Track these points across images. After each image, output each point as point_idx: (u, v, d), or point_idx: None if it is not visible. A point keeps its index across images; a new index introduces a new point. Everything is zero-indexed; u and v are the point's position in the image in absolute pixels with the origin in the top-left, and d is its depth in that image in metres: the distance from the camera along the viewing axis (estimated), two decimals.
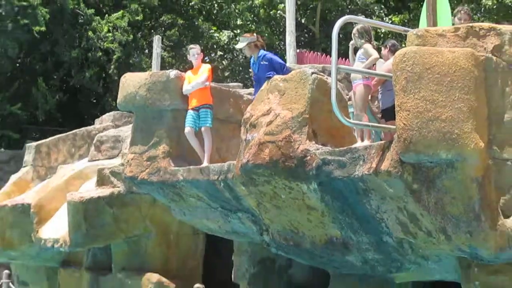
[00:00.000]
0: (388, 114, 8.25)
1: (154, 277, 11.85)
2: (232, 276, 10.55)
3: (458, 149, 6.45)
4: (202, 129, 9.80)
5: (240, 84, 14.33)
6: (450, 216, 6.66)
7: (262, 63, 9.40)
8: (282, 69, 9.19)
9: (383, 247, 7.77)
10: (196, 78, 10.02)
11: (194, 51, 10.33)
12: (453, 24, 8.68)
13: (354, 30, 8.36)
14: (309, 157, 7.70)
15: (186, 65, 13.41)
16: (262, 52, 9.50)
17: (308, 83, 8.10)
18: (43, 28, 19.67)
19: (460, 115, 6.49)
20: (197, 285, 10.94)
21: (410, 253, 7.65)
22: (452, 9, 10.03)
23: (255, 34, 9.99)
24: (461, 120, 6.47)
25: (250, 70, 15.27)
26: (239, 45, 9.80)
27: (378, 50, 8.71)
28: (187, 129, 9.87)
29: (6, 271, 17.01)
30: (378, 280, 8.59)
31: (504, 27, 7.12)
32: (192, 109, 9.93)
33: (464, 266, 7.37)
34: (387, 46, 9.05)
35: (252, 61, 9.67)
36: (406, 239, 7.44)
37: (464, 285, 7.45)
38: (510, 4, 22.49)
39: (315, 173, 7.63)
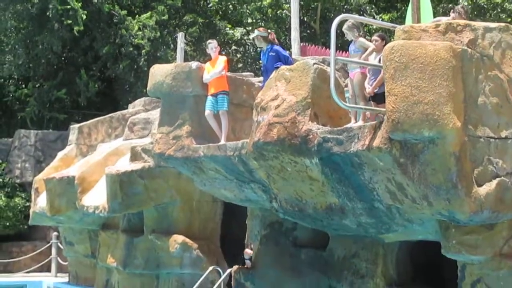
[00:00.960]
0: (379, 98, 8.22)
1: (180, 238, 11.91)
2: (246, 237, 10.58)
3: (438, 128, 6.44)
4: (220, 112, 9.79)
5: (251, 73, 14.27)
6: (431, 185, 6.65)
7: (270, 54, 9.48)
8: (286, 60, 9.24)
9: (375, 212, 7.77)
10: (214, 68, 10.00)
11: (212, 45, 10.30)
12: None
13: (345, 27, 8.24)
14: (311, 135, 7.69)
15: (206, 58, 13.37)
16: (270, 45, 9.54)
17: (310, 72, 8.07)
18: (81, 28, 19.69)
19: (440, 99, 6.47)
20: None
21: (398, 217, 7.65)
22: (434, 8, 9.95)
23: (268, 30, 10.03)
24: (441, 103, 6.45)
25: (260, 61, 15.24)
26: (252, 35, 9.98)
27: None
28: (207, 112, 9.87)
29: (55, 233, 17.19)
30: (370, 240, 8.60)
31: (478, 24, 7.08)
32: (211, 95, 9.91)
33: (443, 227, 7.38)
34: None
35: (262, 53, 9.72)
36: (394, 205, 7.44)
37: (443, 243, 7.46)
38: (483, 4, 22.47)
39: (316, 149, 7.63)
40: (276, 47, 9.50)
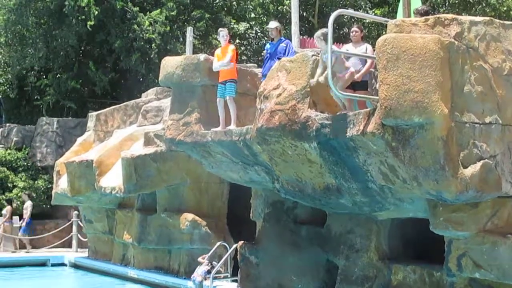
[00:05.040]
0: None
1: (189, 216, 11.95)
2: (250, 215, 10.62)
3: (427, 115, 6.44)
4: (227, 98, 9.78)
5: (255, 64, 14.22)
6: (421, 167, 6.67)
7: (281, 44, 9.65)
8: (290, 53, 9.32)
9: (368, 192, 7.79)
10: (223, 59, 9.97)
11: (223, 33, 10.28)
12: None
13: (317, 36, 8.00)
14: (310, 122, 7.70)
15: (213, 50, 13.29)
16: (282, 37, 9.85)
17: (309, 63, 8.06)
18: (92, 22, 19.65)
19: (429, 87, 6.46)
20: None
21: (390, 197, 7.67)
22: (423, 3, 9.87)
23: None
24: (430, 91, 6.45)
25: (262, 53, 15.21)
26: (271, 25, 9.96)
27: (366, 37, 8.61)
28: (218, 99, 9.87)
29: (76, 212, 17.24)
30: (364, 217, 8.63)
31: (464, 18, 7.05)
32: (221, 82, 9.92)
33: (432, 206, 7.40)
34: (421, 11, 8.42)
35: (270, 43, 9.89)
36: (387, 186, 7.45)
37: (431, 220, 7.48)
38: None
39: (315, 134, 7.64)
40: (288, 41, 9.78)
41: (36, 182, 18.92)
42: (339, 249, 8.93)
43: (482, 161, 6.71)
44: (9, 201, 17.98)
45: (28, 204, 17.65)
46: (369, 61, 8.27)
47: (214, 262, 10.82)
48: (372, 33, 21.61)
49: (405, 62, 6.52)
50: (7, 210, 17.57)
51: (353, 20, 20.90)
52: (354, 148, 7.31)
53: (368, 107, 7.61)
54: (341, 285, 8.79)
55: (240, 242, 10.57)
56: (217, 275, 10.78)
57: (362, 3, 24.24)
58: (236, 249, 10.70)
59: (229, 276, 11.01)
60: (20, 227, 17.64)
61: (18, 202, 18.17)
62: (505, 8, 22.07)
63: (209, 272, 10.62)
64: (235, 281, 10.62)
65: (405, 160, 6.75)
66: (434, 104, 6.43)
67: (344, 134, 7.23)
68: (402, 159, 6.77)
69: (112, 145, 14.07)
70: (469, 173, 6.62)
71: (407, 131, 6.63)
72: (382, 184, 7.47)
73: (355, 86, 8.01)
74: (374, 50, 7.55)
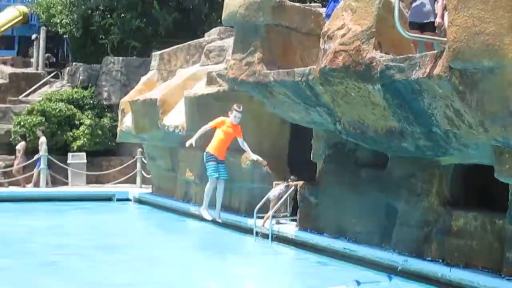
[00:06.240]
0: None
1: (251, 155, 12.08)
2: (311, 156, 10.68)
3: (498, 58, 6.22)
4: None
5: (319, 4, 13.98)
6: (488, 112, 6.51)
7: None
8: None
9: (432, 136, 7.69)
10: (237, 135, 10.93)
11: (239, 115, 10.78)
12: None
13: None
14: (374, 63, 7.58)
15: None
16: None
17: (375, 2, 7.87)
18: None
19: (502, 30, 6.21)
20: (292, 177, 11.11)
21: (454, 142, 7.55)
22: None
23: None
24: (502, 34, 6.20)
25: None
26: None
27: None
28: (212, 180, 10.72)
29: (140, 149, 17.77)
30: (427, 161, 8.54)
31: None
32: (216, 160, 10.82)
33: (498, 152, 7.24)
34: None
35: None
36: (451, 130, 7.33)
37: (496, 167, 7.33)
38: None
39: (379, 76, 7.53)
40: None
41: (101, 119, 19.49)
42: (399, 193, 8.91)
43: None
44: (23, 137, 18.10)
45: (43, 140, 17.67)
46: (440, 1, 8.02)
47: (291, 178, 10.92)
48: None
49: (477, 2, 6.28)
50: (21, 145, 17.82)
51: None
52: (419, 91, 7.19)
53: (436, 50, 7.43)
54: (400, 228, 8.81)
55: (300, 183, 10.69)
56: (276, 215, 10.98)
57: None
58: (296, 189, 10.83)
59: (288, 216, 11.19)
60: (35, 163, 17.50)
61: (85, 139, 18.76)
62: None
63: (286, 187, 10.76)
64: (294, 221, 10.80)
65: (472, 104, 6.60)
66: (506, 47, 6.19)
67: (410, 76, 7.11)
68: (469, 104, 6.62)
69: (175, 84, 14.27)
70: None
71: (476, 75, 6.45)
72: (446, 128, 7.35)
73: (422, 27, 7.81)
74: None
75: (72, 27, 23.11)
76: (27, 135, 18.02)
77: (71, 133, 18.91)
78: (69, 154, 18.29)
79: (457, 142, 7.51)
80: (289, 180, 11.02)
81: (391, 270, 8.43)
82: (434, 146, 7.88)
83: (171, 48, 16.30)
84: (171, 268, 8.93)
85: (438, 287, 7.85)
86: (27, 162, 17.51)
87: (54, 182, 17.75)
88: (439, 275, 7.92)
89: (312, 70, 8.71)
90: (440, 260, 8.13)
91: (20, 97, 20.57)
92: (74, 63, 21.82)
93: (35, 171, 17.42)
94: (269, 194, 11.04)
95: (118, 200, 16.84)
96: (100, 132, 19.04)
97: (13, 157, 18.01)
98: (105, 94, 20.19)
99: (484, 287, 7.32)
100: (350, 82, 7.95)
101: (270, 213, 10.81)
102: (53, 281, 7.96)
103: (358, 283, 7.71)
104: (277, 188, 11.04)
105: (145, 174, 17.72)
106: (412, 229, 8.61)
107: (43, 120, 18.38)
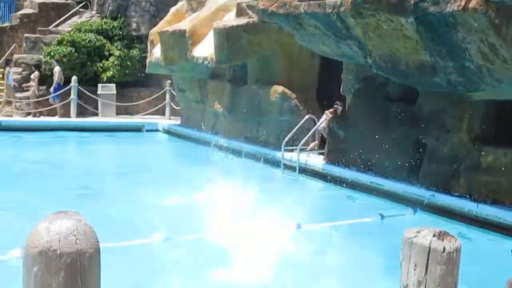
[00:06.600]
0: None
1: (280, 88, 12.09)
2: (341, 89, 10.61)
3: None
4: None
5: None
6: None
7: None
8: None
9: (465, 71, 7.56)
10: None
11: None
12: None
13: None
14: None
15: None
16: None
17: None
18: None
19: None
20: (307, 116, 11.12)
21: (487, 77, 7.42)
22: None
23: None
24: None
25: None
26: None
27: None
28: None
29: (169, 81, 17.81)
30: (458, 96, 8.44)
31: None
32: None
33: None
34: None
35: None
36: (485, 65, 7.20)
37: None
38: None
39: (412, 8, 7.37)
40: None
41: (131, 51, 19.49)
42: (429, 128, 8.86)
43: None
44: (37, 66, 18.20)
45: (57, 70, 17.65)
46: None
47: (339, 104, 10.95)
48: None
49: None
50: (35, 75, 17.87)
51: None
52: (453, 25, 7.03)
53: None
54: (428, 163, 8.81)
55: (329, 116, 10.68)
56: (304, 147, 11.04)
57: None
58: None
59: (316, 149, 11.24)
60: (50, 92, 17.56)
61: (115, 70, 18.84)
62: None
63: (336, 112, 10.82)
64: (322, 153, 10.86)
65: (507, 38, 6.46)
66: None
67: (444, 9, 6.94)
68: (505, 38, 6.47)
69: (204, 15, 14.14)
70: None
71: None
72: (480, 63, 7.21)
73: None
74: None
75: None
76: (60, 65, 18.16)
77: (100, 64, 18.99)
78: (99, 85, 18.43)
79: (490, 77, 7.39)
80: (335, 106, 10.93)
81: (417, 205, 8.50)
82: (466, 81, 7.77)
83: None
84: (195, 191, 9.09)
85: (464, 222, 7.91)
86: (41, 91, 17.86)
87: (84, 113, 17.98)
88: (465, 210, 7.96)
89: (343, 1, 8.53)
90: (467, 196, 8.16)
91: (50, 27, 20.61)
92: None
93: (56, 101, 17.59)
94: (317, 127, 11.05)
95: (148, 131, 17.06)
96: (129, 63, 19.09)
97: (44, 87, 18.22)
98: (134, 25, 20.10)
99: (511, 223, 7.35)
100: (383, 14, 7.79)
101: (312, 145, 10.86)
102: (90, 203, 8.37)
103: (382, 216, 7.81)
104: (322, 119, 11.01)
105: (174, 106, 17.82)
106: (441, 165, 8.61)
107: (73, 50, 18.45)
